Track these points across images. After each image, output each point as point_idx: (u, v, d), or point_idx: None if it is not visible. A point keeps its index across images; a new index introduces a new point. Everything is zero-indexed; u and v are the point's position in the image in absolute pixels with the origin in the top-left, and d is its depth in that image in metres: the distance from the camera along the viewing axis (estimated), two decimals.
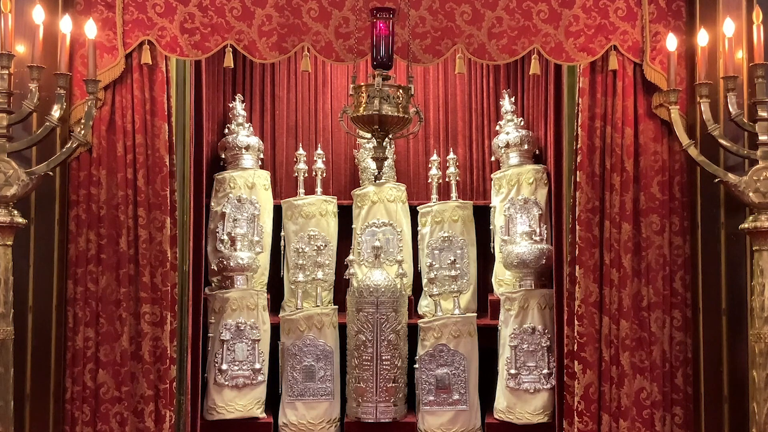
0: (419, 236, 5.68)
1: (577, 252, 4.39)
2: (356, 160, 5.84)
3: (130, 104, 4.34)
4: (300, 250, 5.48)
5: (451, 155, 5.78)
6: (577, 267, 4.38)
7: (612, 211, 4.35)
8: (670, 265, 4.39)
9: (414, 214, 5.73)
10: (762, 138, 4.00)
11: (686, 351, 4.37)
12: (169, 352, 4.36)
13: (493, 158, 5.80)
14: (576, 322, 4.38)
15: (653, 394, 4.34)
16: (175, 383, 4.42)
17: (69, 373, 4.31)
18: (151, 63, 4.31)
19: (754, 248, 4.01)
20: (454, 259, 5.42)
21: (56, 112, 4.04)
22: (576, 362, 4.38)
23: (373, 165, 5.53)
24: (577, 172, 4.40)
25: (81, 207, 4.35)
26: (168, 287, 4.36)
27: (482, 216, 5.68)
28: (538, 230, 5.31)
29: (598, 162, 4.39)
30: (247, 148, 5.55)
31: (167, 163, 4.37)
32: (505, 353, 5.15)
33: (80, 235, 4.34)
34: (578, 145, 4.40)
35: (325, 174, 5.76)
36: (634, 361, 4.33)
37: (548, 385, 5.03)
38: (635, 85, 4.37)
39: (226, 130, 5.68)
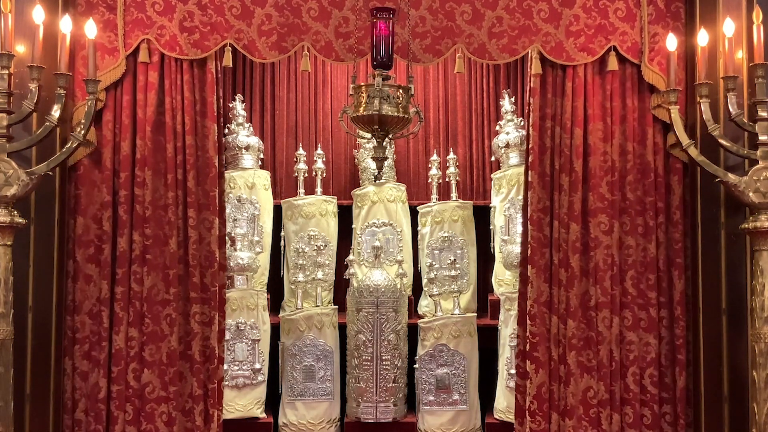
0: (419, 236, 5.67)
1: (529, 252, 4.39)
2: (356, 160, 5.84)
3: (180, 105, 4.35)
4: (300, 250, 5.48)
5: (451, 155, 5.78)
6: (529, 267, 4.39)
7: (560, 211, 4.36)
8: (619, 265, 4.39)
9: (414, 214, 5.72)
10: (762, 138, 4.01)
11: (636, 350, 4.37)
12: (217, 351, 4.36)
13: (493, 158, 5.79)
14: (528, 322, 4.39)
15: (600, 392, 4.35)
16: (222, 383, 4.43)
17: (107, 373, 4.32)
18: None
19: (754, 248, 4.01)
20: (454, 259, 5.42)
21: (56, 112, 4.04)
22: (528, 362, 4.39)
23: (373, 165, 5.53)
24: (529, 171, 4.40)
25: (122, 208, 4.34)
26: (216, 287, 4.37)
27: (482, 216, 5.67)
28: None
29: (548, 162, 4.40)
30: (247, 148, 5.55)
31: (216, 164, 4.38)
32: (505, 353, 5.14)
33: (121, 236, 4.34)
34: (530, 145, 4.41)
35: (325, 174, 5.76)
36: (581, 360, 4.35)
37: None
38: (585, 85, 4.38)
39: (226, 130, 5.67)
